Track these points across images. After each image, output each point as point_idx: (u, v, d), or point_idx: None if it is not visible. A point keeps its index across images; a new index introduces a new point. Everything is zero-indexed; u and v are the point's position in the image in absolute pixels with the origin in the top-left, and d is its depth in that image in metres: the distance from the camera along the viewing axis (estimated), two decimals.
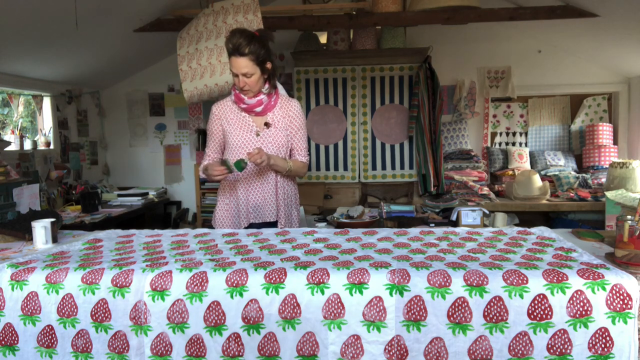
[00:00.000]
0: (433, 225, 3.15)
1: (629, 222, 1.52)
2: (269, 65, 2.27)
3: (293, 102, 2.44)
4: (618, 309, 1.38)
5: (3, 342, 1.55)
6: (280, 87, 2.51)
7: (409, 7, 3.86)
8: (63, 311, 1.52)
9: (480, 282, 1.42)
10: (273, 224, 2.42)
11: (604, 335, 1.38)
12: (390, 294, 1.43)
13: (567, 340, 1.39)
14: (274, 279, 1.48)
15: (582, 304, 1.38)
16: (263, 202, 2.38)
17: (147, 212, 4.65)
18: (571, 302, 1.39)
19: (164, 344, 1.50)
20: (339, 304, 1.44)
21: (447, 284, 1.42)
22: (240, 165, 2.16)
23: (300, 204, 3.96)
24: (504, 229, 2.07)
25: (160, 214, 5.20)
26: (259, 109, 2.33)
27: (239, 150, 2.33)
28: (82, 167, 5.08)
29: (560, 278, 1.41)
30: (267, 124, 2.36)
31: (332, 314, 1.44)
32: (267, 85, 2.32)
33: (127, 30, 3.99)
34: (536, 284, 1.40)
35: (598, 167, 4.68)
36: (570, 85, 5.01)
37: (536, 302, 1.39)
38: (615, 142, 4.85)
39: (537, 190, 4.31)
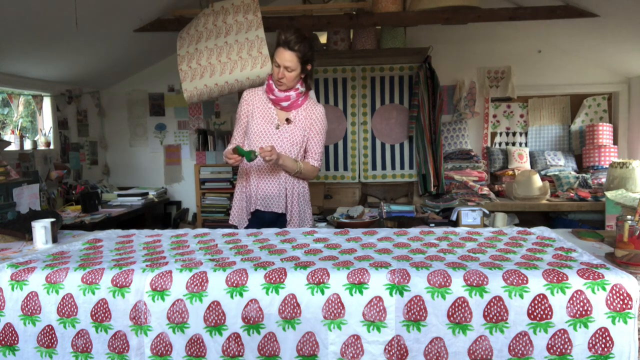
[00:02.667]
0: (433, 225, 3.14)
1: (629, 222, 1.52)
2: (309, 66, 2.38)
3: (319, 106, 2.51)
4: (618, 309, 1.38)
5: (3, 342, 1.55)
6: (312, 92, 2.59)
7: (409, 7, 3.86)
8: (63, 311, 1.52)
9: (480, 282, 1.42)
10: (281, 216, 2.47)
11: (604, 335, 1.38)
12: (390, 294, 1.43)
13: (567, 340, 1.39)
14: (274, 279, 1.48)
15: (582, 304, 1.38)
16: (271, 193, 2.44)
17: (147, 212, 4.65)
18: (571, 302, 1.39)
19: (164, 344, 1.50)
20: (339, 304, 1.44)
21: (447, 284, 1.42)
22: (250, 156, 2.22)
23: None
24: (504, 229, 2.07)
25: (160, 214, 5.20)
26: (285, 104, 2.41)
27: (255, 138, 2.41)
28: (82, 167, 5.08)
29: (560, 278, 1.41)
30: (288, 120, 2.43)
31: (332, 314, 1.44)
32: (300, 85, 2.41)
33: (127, 30, 3.99)
34: (536, 284, 1.40)
35: (598, 167, 4.68)
36: (570, 85, 5.01)
37: (536, 302, 1.39)
38: (615, 142, 4.85)
39: (537, 190, 4.31)
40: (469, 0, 3.50)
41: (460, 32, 4.78)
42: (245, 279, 1.49)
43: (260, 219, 2.44)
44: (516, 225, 3.53)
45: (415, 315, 1.43)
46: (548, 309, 1.39)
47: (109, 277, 1.52)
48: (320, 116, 2.48)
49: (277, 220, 2.45)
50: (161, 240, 1.99)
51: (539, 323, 1.39)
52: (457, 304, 1.41)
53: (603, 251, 1.71)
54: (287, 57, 2.28)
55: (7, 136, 4.30)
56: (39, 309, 1.53)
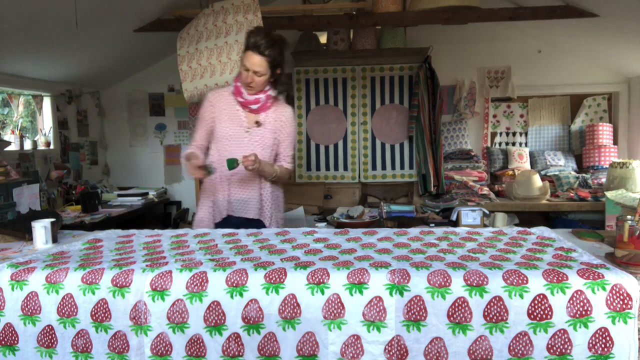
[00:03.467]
0: (433, 225, 3.14)
1: (629, 222, 1.52)
2: (278, 71, 2.33)
3: (287, 108, 2.46)
4: (618, 309, 1.38)
5: (3, 342, 1.55)
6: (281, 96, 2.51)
7: (409, 7, 3.86)
8: (63, 311, 1.52)
9: (480, 282, 1.42)
10: (254, 222, 2.42)
11: (604, 335, 1.38)
12: (390, 294, 1.43)
13: (567, 340, 1.39)
14: (274, 279, 1.48)
15: (582, 304, 1.38)
16: (246, 197, 2.39)
17: (147, 212, 4.65)
18: (571, 302, 1.39)
19: (164, 344, 1.50)
20: (339, 304, 1.44)
21: (447, 284, 1.42)
22: (233, 165, 2.18)
23: (300, 204, 3.97)
24: (504, 229, 2.07)
25: (160, 214, 5.20)
26: (255, 107, 2.35)
27: (226, 142, 2.35)
28: (82, 167, 5.08)
29: (560, 278, 1.41)
30: (258, 123, 2.37)
31: (332, 314, 1.44)
32: (270, 88, 2.35)
33: (127, 30, 3.99)
34: (536, 284, 1.40)
35: (598, 167, 4.68)
36: (570, 85, 5.01)
37: (536, 302, 1.39)
38: (615, 142, 4.85)
39: (537, 190, 4.31)
40: (469, 0, 3.50)
41: (460, 32, 4.78)
42: (245, 279, 1.48)
43: (233, 225, 2.34)
44: (516, 225, 3.53)
45: (415, 315, 1.43)
46: (548, 309, 1.39)
47: (109, 277, 1.52)
48: (290, 117, 2.44)
49: (249, 226, 2.35)
50: (161, 240, 1.99)
51: (539, 323, 1.39)
52: (457, 304, 1.41)
53: (603, 251, 1.71)
54: (257, 62, 2.22)
55: (7, 136, 4.30)
56: (39, 309, 1.53)
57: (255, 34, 2.24)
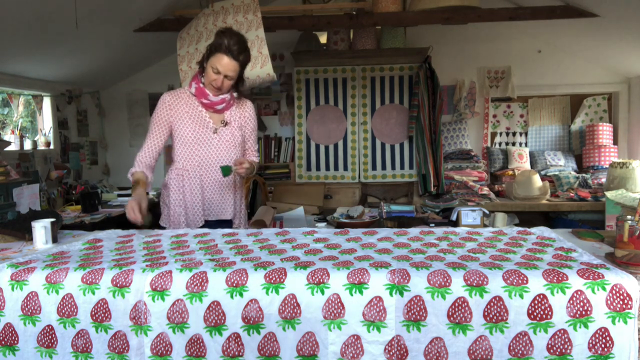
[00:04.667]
0: (433, 225, 3.14)
1: (629, 222, 1.52)
2: (242, 72, 2.31)
3: (248, 102, 2.46)
4: (618, 309, 1.38)
5: (3, 342, 1.55)
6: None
7: (409, 7, 3.86)
8: (63, 311, 1.52)
9: (480, 282, 1.42)
10: (227, 222, 2.43)
11: (604, 335, 1.38)
12: (390, 294, 1.43)
13: (567, 340, 1.39)
14: (274, 279, 1.48)
15: (582, 304, 1.38)
16: (221, 200, 2.39)
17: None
18: (571, 302, 1.39)
19: (164, 344, 1.50)
20: (339, 304, 1.44)
21: (447, 284, 1.42)
22: (228, 172, 2.19)
23: (300, 204, 3.97)
24: (504, 229, 2.07)
25: (161, 214, 5.19)
26: (220, 107, 2.32)
27: (193, 146, 2.31)
28: (82, 167, 5.08)
29: (560, 278, 1.41)
30: (225, 122, 2.35)
31: (332, 314, 1.44)
32: (232, 89, 2.35)
33: (127, 30, 3.99)
34: (536, 284, 1.40)
35: (598, 167, 4.68)
36: (570, 85, 5.01)
37: (536, 302, 1.39)
38: (615, 142, 4.85)
39: (537, 190, 4.31)
40: (469, 0, 3.50)
41: (460, 32, 4.78)
42: (245, 279, 1.48)
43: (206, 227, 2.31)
44: (516, 225, 3.53)
45: (415, 315, 1.43)
46: (548, 309, 1.39)
47: (109, 277, 1.52)
48: (252, 112, 2.45)
49: (221, 227, 2.33)
50: (161, 240, 1.99)
51: (539, 323, 1.39)
52: (457, 304, 1.41)
53: (603, 251, 1.71)
54: (231, 67, 2.18)
55: (7, 136, 4.30)
56: (39, 309, 1.53)
57: (228, 36, 2.17)
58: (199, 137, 2.31)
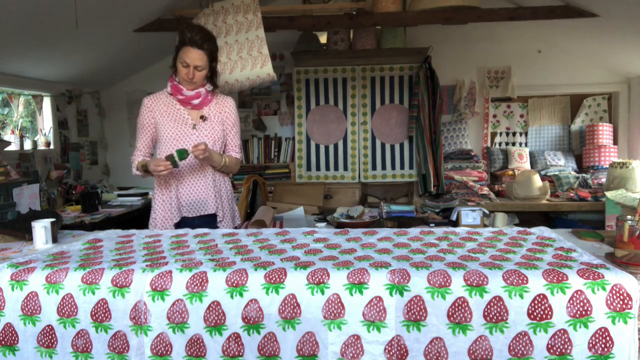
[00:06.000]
0: (433, 225, 3.14)
1: (629, 222, 1.52)
2: (214, 64, 2.34)
3: (228, 99, 2.47)
4: (618, 309, 1.38)
5: (3, 342, 1.55)
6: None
7: (409, 7, 3.86)
8: (63, 311, 1.52)
9: (480, 282, 1.42)
10: (211, 217, 2.42)
11: (604, 335, 1.38)
12: (390, 294, 1.43)
13: (567, 340, 1.39)
14: (274, 279, 1.48)
15: (582, 304, 1.38)
16: (200, 196, 2.38)
17: (147, 212, 4.62)
18: (571, 302, 1.39)
19: (164, 344, 1.50)
20: (339, 304, 1.44)
21: (447, 284, 1.42)
22: (183, 155, 2.16)
23: (300, 204, 3.96)
24: (504, 229, 2.06)
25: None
26: (196, 102, 2.35)
27: (174, 144, 2.33)
28: (82, 167, 5.08)
29: (560, 278, 1.41)
30: (203, 117, 2.37)
31: (332, 314, 1.44)
32: (207, 83, 2.36)
33: (127, 30, 3.99)
34: (536, 284, 1.40)
35: (598, 167, 4.68)
36: (570, 85, 5.01)
37: (536, 302, 1.39)
38: (615, 142, 4.85)
39: (537, 190, 4.31)
40: (469, 0, 3.50)
41: (460, 32, 4.78)
42: (245, 279, 1.48)
43: (189, 226, 2.30)
44: (516, 225, 3.52)
45: (415, 315, 1.43)
46: (548, 309, 1.39)
47: (109, 277, 1.52)
48: (232, 107, 2.46)
49: (207, 222, 2.37)
50: (161, 240, 1.99)
51: (539, 323, 1.39)
52: (457, 304, 1.41)
53: (603, 251, 1.71)
54: (197, 57, 2.23)
55: (7, 136, 4.30)
56: (39, 309, 1.53)
57: (190, 29, 2.23)
58: (178, 133, 2.34)
